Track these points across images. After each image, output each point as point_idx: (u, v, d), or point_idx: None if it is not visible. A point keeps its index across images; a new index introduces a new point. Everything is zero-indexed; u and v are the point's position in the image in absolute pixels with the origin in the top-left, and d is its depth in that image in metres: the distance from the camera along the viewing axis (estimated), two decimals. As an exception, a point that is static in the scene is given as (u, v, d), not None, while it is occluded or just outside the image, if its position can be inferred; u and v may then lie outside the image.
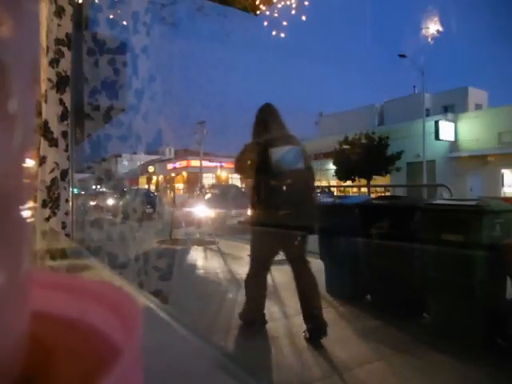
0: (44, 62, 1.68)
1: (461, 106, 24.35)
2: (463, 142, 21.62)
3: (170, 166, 36.12)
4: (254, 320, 2.89)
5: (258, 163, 2.69)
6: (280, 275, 4.76)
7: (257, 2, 3.08)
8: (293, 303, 3.56)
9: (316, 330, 2.61)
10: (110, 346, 0.20)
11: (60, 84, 1.71)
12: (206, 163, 29.20)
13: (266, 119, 2.78)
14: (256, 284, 2.88)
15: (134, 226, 3.10)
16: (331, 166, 24.76)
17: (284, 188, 2.61)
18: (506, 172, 19.73)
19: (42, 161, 1.67)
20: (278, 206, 2.59)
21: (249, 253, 3.07)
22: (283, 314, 3.28)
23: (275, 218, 2.60)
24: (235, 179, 24.02)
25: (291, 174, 2.63)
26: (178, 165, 35.45)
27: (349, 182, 22.21)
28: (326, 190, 18.38)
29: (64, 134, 1.73)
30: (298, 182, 2.65)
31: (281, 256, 2.98)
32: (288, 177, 2.63)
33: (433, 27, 17.97)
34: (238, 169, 2.99)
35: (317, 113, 36.52)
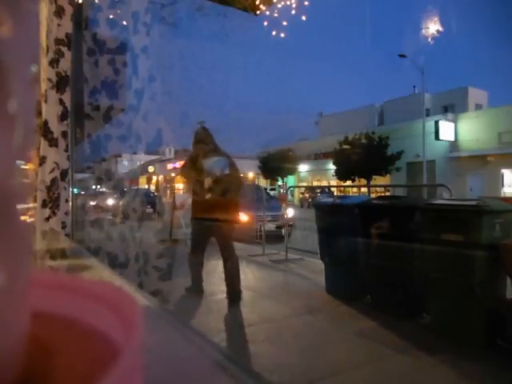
0: (44, 62, 1.68)
1: (461, 106, 24.34)
2: (463, 142, 21.60)
3: (169, 165, 36.04)
4: (194, 288, 3.70)
5: (195, 169, 3.59)
6: (280, 275, 4.77)
7: (257, 2, 3.07)
8: (290, 304, 3.56)
9: (235, 297, 3.54)
10: (110, 346, 0.20)
11: (60, 84, 1.71)
12: (206, 163, 29.08)
13: (201, 139, 3.66)
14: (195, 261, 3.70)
15: (134, 225, 3.10)
16: (331, 166, 24.76)
17: (212, 186, 3.51)
18: (506, 172, 19.71)
19: (41, 161, 1.67)
20: (207, 198, 3.51)
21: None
22: (283, 314, 3.28)
23: (207, 208, 3.50)
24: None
25: (218, 176, 3.54)
26: (177, 165, 35.32)
27: (349, 182, 22.20)
28: (326, 189, 18.38)
29: (64, 134, 1.73)
30: (223, 181, 3.55)
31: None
32: (215, 178, 3.54)
33: (433, 27, 17.91)
34: (182, 174, 3.92)
35: (317, 113, 36.57)
